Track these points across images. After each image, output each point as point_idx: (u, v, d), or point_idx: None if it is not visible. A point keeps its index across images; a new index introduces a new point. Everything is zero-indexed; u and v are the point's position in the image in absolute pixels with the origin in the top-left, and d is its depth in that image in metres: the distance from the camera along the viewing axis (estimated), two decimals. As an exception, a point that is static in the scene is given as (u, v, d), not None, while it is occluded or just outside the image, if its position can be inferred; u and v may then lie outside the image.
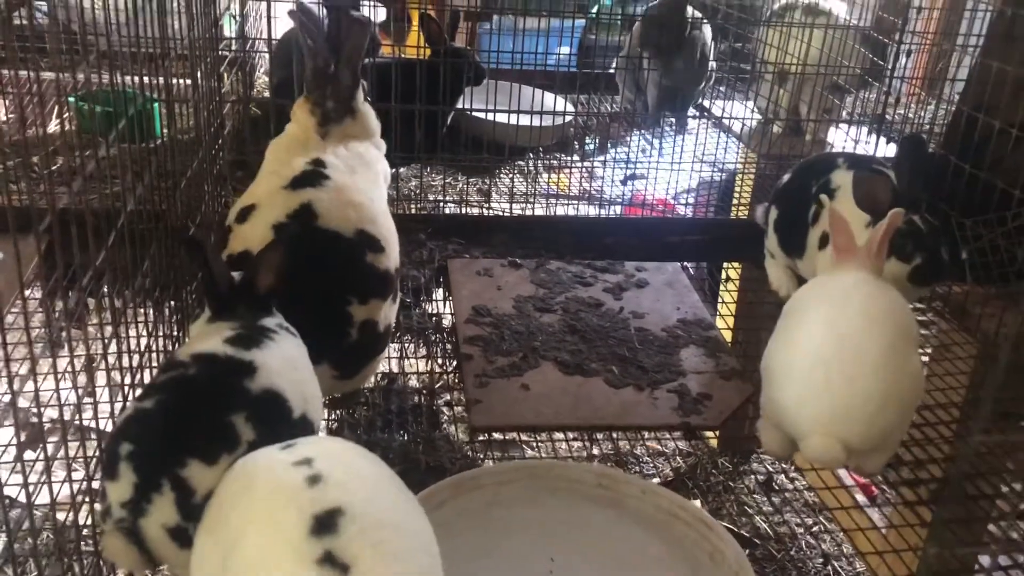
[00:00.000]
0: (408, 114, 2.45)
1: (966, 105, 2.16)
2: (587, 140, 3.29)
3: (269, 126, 2.32)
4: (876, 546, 1.55)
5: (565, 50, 4.77)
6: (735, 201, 3.11)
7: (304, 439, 1.11)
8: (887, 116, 3.14)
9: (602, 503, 1.44)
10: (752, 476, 2.60)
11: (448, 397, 1.85)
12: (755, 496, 2.25)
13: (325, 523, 0.95)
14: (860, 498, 2.10)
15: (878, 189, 1.74)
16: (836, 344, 1.41)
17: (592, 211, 2.81)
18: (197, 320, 1.34)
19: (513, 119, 2.74)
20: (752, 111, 3.25)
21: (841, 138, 3.14)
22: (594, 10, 4.27)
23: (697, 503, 1.66)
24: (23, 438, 1.25)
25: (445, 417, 1.82)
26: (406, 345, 1.95)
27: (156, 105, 1.94)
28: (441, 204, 2.51)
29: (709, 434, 2.78)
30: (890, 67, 2.74)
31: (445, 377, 1.87)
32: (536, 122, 3.02)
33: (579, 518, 1.42)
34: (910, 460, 1.67)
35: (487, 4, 4.22)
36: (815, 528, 2.42)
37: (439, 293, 2.16)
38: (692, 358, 1.91)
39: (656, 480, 2.57)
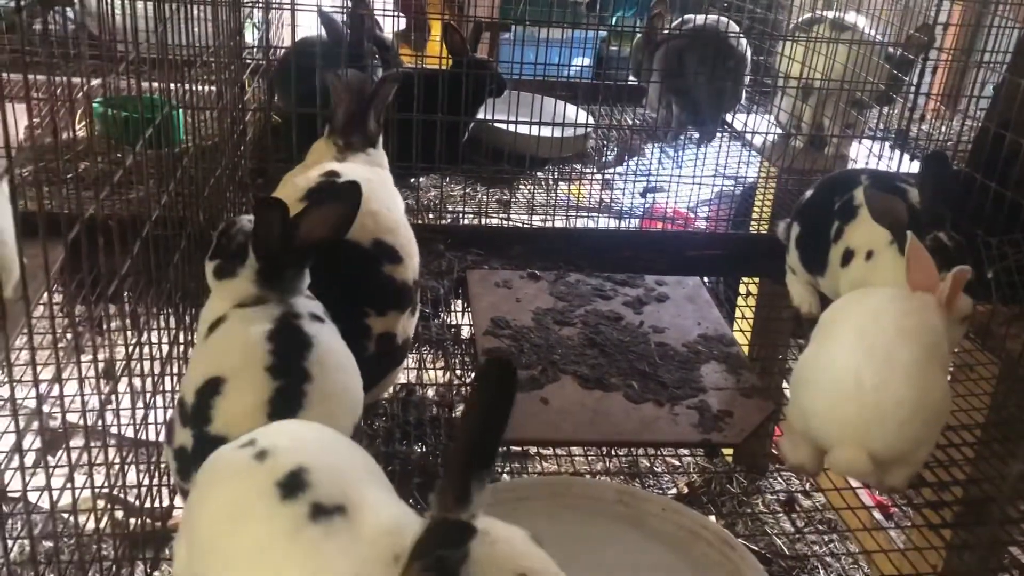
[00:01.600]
0: (429, 124, 2.45)
1: (992, 122, 2.14)
2: (606, 152, 3.28)
3: (291, 134, 2.34)
4: (896, 566, 1.53)
5: (584, 61, 4.79)
6: (755, 215, 3.10)
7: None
8: (910, 132, 3.12)
9: (622, 520, 1.43)
10: (768, 494, 2.58)
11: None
12: (773, 513, 2.23)
13: (291, 485, 0.95)
14: (878, 515, 2.08)
15: (893, 204, 1.73)
16: (866, 354, 1.41)
17: (611, 223, 2.81)
18: (234, 277, 1.34)
19: (534, 130, 2.75)
20: (773, 125, 3.24)
21: (863, 153, 3.12)
22: (613, 21, 4.27)
23: (712, 519, 1.64)
24: (45, 441, 1.25)
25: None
26: (424, 356, 1.94)
27: (179, 112, 1.95)
28: (461, 215, 2.51)
29: (726, 449, 2.77)
30: (915, 83, 2.73)
31: (464, 389, 1.86)
32: (557, 133, 3.01)
33: (599, 535, 1.41)
34: (933, 481, 1.65)
35: (507, 14, 4.23)
36: (832, 546, 2.40)
37: (457, 304, 2.16)
38: (713, 374, 1.90)
39: (672, 493, 2.56)
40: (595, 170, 3.08)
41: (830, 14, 3.10)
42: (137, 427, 1.44)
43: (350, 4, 2.97)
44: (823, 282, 2.07)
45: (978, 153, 2.13)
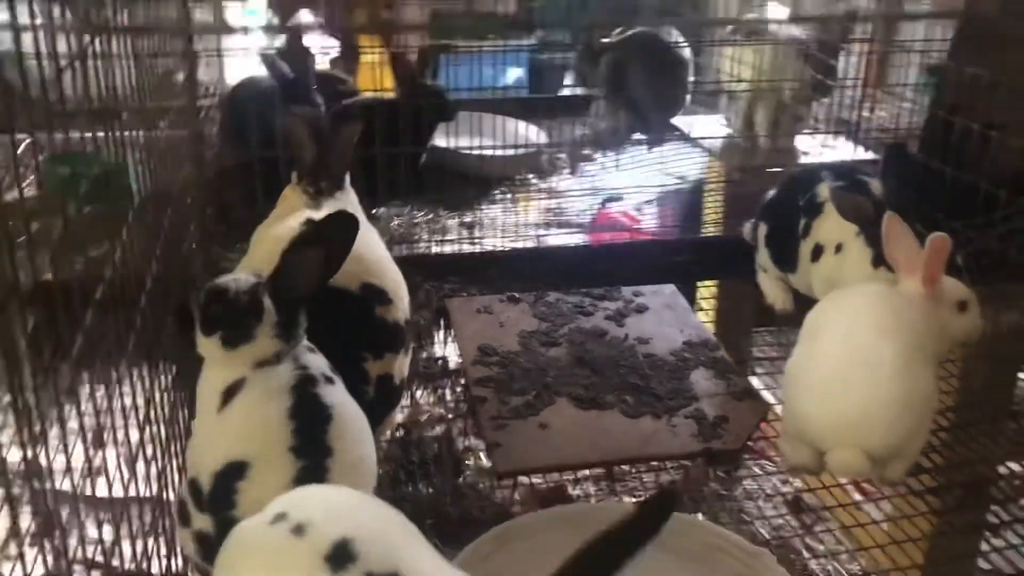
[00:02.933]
0: (383, 156, 2.44)
1: (940, 109, 2.21)
2: (560, 165, 3.30)
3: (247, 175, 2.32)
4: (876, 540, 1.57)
5: (517, 72, 4.81)
6: (708, 218, 3.17)
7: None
8: (852, 121, 3.21)
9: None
10: (744, 484, 2.62)
11: (466, 442, 1.84)
12: (756, 502, 2.25)
13: (340, 557, 0.93)
14: (856, 496, 2.13)
15: (858, 201, 1.79)
16: (851, 355, 1.45)
17: (568, 237, 2.82)
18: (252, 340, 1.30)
19: (490, 149, 2.76)
20: (723, 126, 3.30)
21: (809, 145, 3.21)
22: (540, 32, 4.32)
23: (700, 516, 1.66)
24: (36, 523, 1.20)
25: (467, 463, 1.81)
26: (417, 392, 1.93)
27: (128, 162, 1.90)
28: (433, 244, 2.50)
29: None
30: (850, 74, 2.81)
31: (460, 422, 1.86)
32: (506, 150, 3.03)
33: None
34: (929, 467, 1.70)
35: (439, 36, 4.22)
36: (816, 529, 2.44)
37: (441, 334, 2.16)
38: (703, 381, 1.92)
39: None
40: (548, 183, 3.09)
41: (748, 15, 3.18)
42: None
43: (287, 43, 2.96)
44: (795, 278, 2.11)
45: (930, 140, 2.20)
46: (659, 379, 1.92)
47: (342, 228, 1.36)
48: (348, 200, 1.79)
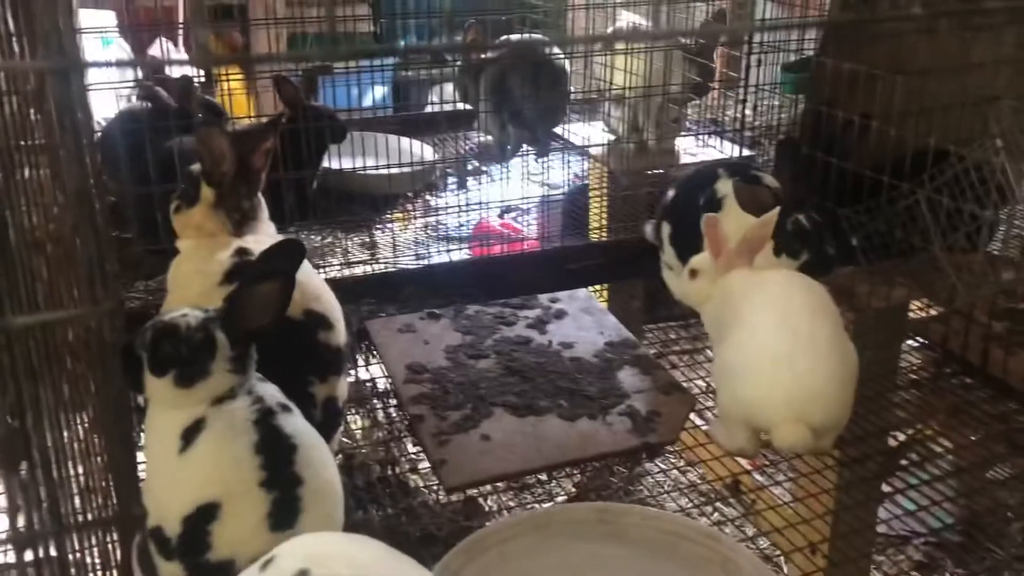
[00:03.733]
0: (274, 181, 2.40)
1: (815, 103, 2.36)
2: (451, 179, 3.33)
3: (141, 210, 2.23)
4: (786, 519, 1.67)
5: (382, 91, 4.82)
6: (594, 223, 3.28)
7: (279, 550, 1.05)
8: (721, 120, 3.38)
9: (606, 538, 1.48)
10: (651, 476, 2.72)
11: (410, 462, 1.84)
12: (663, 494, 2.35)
13: None
14: (758, 477, 2.24)
15: (758, 192, 1.90)
16: (792, 337, 1.54)
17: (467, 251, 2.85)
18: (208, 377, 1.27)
19: (382, 169, 2.75)
20: (604, 132, 3.41)
21: (688, 145, 3.35)
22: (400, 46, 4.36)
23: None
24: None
25: (413, 482, 1.81)
26: (353, 416, 1.92)
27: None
28: (342, 267, 2.48)
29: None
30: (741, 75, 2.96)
31: (401, 442, 1.86)
32: (398, 168, 3.03)
33: (587, 557, 1.45)
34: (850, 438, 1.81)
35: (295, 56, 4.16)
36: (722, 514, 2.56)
37: (365, 357, 2.14)
38: (630, 378, 1.98)
39: (562, 499, 2.63)
40: (445, 199, 3.12)
41: (629, 21, 3.30)
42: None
43: (143, 75, 2.88)
44: None
45: (811, 132, 2.35)
46: (588, 381, 1.97)
47: (291, 256, 1.35)
48: (261, 217, 1.75)
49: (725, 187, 2.07)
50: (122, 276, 2.36)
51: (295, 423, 1.29)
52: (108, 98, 3.03)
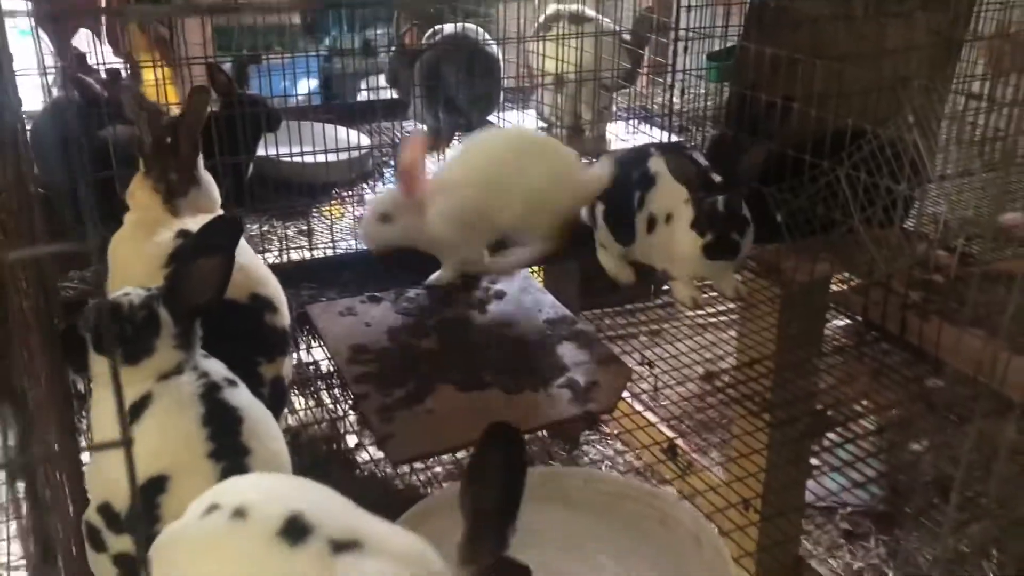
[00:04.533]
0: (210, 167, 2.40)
1: (740, 86, 2.46)
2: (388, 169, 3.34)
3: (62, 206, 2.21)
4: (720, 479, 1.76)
5: (311, 83, 4.80)
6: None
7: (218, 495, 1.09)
8: (650, 107, 3.47)
9: (550, 501, 1.53)
10: (586, 458, 2.80)
11: (356, 439, 1.87)
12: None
13: (295, 530, 0.96)
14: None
15: (683, 161, 1.99)
16: None
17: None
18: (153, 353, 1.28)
19: (320, 157, 2.76)
20: (536, 119, 3.46)
21: (619, 132, 3.43)
22: (327, 42, 4.34)
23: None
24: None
25: (362, 458, 1.84)
26: (296, 397, 1.94)
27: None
28: (281, 252, 2.48)
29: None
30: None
31: (346, 420, 1.88)
32: (335, 156, 3.04)
33: (533, 519, 1.49)
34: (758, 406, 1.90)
35: (222, 48, 4.11)
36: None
37: (307, 341, 2.16)
38: (570, 353, 2.04)
39: None
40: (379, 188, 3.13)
41: (567, 7, 3.36)
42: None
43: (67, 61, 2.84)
44: (634, 250, 2.28)
45: (736, 115, 2.44)
46: (529, 356, 2.02)
47: (228, 232, 1.37)
48: (208, 195, 1.76)
49: (658, 164, 2.14)
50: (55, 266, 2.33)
51: (241, 396, 1.32)
52: (31, 90, 2.97)
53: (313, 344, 2.15)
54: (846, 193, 2.01)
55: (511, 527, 1.02)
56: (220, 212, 1.82)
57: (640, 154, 2.24)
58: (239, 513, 1.00)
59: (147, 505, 1.20)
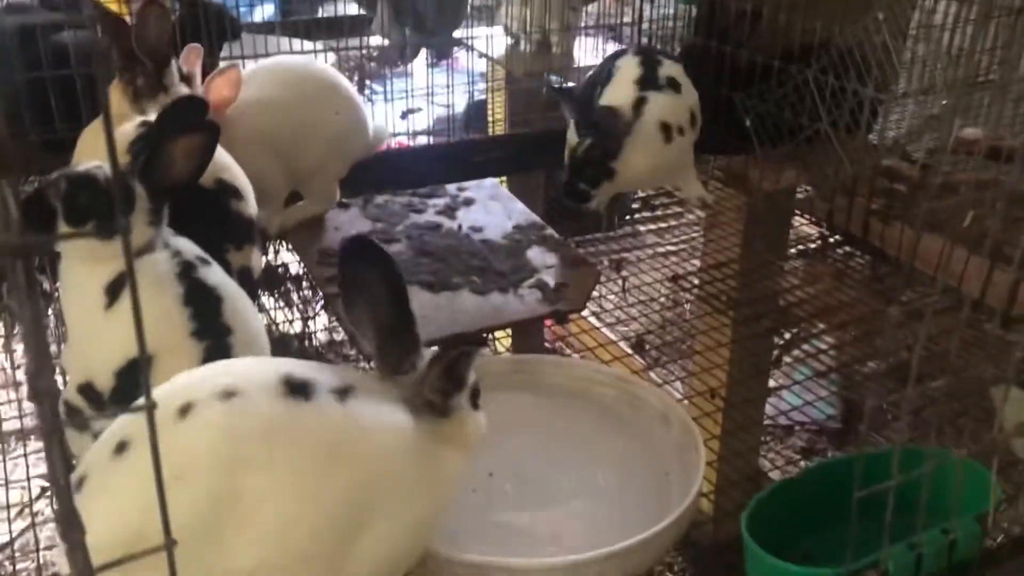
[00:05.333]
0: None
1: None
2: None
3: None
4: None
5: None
6: (490, 119, 3.33)
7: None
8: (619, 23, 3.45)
9: (521, 387, 1.56)
10: None
11: (326, 338, 1.87)
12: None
13: (294, 386, 0.96)
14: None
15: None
16: None
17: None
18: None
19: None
20: (503, 34, 3.43)
21: (587, 48, 3.41)
22: None
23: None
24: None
25: (332, 357, 1.85)
26: (264, 296, 1.93)
27: None
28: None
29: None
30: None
31: (315, 320, 1.89)
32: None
33: (504, 404, 1.52)
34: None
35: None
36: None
37: (275, 244, 2.15)
38: (539, 256, 2.05)
39: None
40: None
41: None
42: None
43: None
44: None
45: (707, 22, 2.43)
46: (498, 259, 2.03)
47: (195, 110, 1.36)
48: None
49: (625, 62, 2.12)
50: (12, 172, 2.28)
51: (217, 275, 1.32)
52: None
53: (280, 248, 2.14)
54: (814, 97, 2.02)
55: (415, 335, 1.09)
56: None
57: (620, 53, 2.22)
58: (228, 394, 0.94)
59: (131, 385, 1.20)
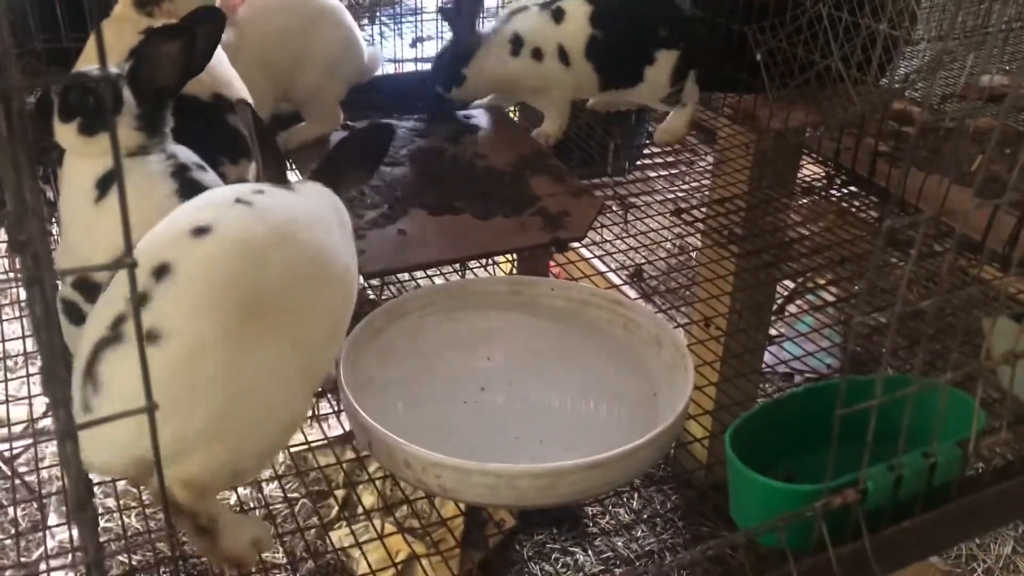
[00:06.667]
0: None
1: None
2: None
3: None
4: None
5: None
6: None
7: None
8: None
9: (518, 307, 1.57)
10: None
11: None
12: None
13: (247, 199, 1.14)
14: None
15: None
16: None
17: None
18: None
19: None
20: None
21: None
22: None
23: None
24: None
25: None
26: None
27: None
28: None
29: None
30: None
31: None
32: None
33: (500, 323, 1.55)
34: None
35: None
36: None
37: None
38: (542, 185, 2.05)
39: None
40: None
41: None
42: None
43: None
44: None
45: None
46: (501, 186, 2.03)
47: (207, 22, 1.36)
48: (187, 5, 1.72)
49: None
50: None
51: (212, 179, 1.33)
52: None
53: (287, 168, 2.14)
54: (827, 32, 2.00)
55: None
56: None
57: None
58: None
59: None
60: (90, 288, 1.25)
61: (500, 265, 2.17)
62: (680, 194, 2.24)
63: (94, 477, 1.18)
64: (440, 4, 2.90)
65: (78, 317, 1.27)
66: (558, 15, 2.12)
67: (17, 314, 1.88)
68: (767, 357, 2.15)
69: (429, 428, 1.30)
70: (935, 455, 1.15)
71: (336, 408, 1.43)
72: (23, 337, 1.81)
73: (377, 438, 1.19)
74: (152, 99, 1.31)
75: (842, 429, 1.03)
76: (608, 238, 1.92)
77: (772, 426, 1.28)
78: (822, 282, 1.79)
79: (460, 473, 1.14)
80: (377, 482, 1.53)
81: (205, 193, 1.21)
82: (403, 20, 2.75)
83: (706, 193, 2.23)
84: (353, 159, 1.39)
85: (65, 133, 1.28)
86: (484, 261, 1.97)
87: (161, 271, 1.03)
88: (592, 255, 1.88)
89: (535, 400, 1.41)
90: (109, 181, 1.25)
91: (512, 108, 2.54)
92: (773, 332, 2.36)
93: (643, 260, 1.94)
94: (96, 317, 1.06)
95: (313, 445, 1.48)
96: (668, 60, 2.13)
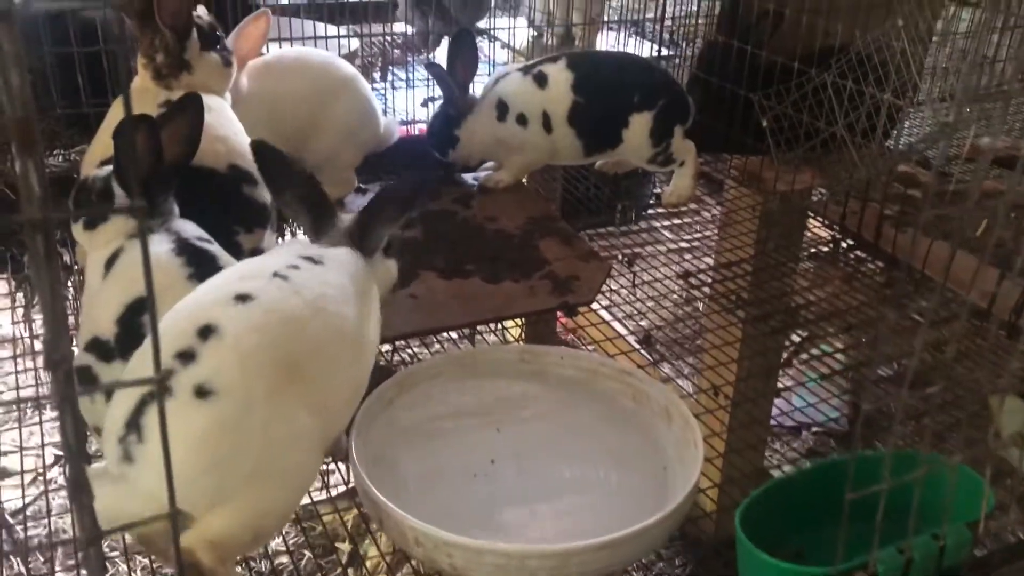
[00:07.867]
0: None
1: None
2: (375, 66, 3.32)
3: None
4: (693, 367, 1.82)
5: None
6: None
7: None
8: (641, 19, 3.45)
9: (527, 376, 1.58)
10: None
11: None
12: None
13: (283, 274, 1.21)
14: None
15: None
16: None
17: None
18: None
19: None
20: (527, 27, 3.44)
21: (610, 42, 3.42)
22: None
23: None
24: None
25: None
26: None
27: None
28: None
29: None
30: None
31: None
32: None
33: (510, 393, 1.56)
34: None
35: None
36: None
37: (291, 229, 2.18)
38: (551, 248, 2.07)
39: None
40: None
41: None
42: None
43: None
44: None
45: (730, 20, 2.43)
46: (511, 249, 2.06)
47: (183, 110, 1.41)
48: (206, 78, 1.76)
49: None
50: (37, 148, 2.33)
51: (214, 248, 1.37)
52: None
53: (297, 231, 2.17)
54: (832, 100, 2.03)
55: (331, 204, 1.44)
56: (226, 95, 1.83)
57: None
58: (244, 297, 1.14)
59: (133, 327, 1.25)
60: (101, 347, 1.28)
61: (508, 329, 2.18)
62: (684, 245, 2.26)
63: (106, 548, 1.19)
64: (427, 59, 2.96)
65: (91, 379, 1.29)
66: (541, 80, 2.17)
67: (31, 365, 1.90)
68: (773, 410, 2.16)
69: (440, 503, 1.31)
70: (944, 538, 1.15)
71: (346, 479, 1.44)
72: (36, 384, 1.83)
73: (388, 515, 1.20)
74: (143, 187, 1.36)
75: (852, 504, 1.03)
76: (615, 288, 1.93)
77: (782, 502, 1.29)
78: (830, 350, 1.80)
79: (471, 552, 1.14)
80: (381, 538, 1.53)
81: (242, 264, 1.29)
82: (415, 83, 2.79)
83: (712, 246, 2.25)
84: (385, 217, 1.43)
85: (76, 231, 1.42)
86: (493, 325, 1.98)
87: (207, 331, 1.08)
88: (601, 319, 1.89)
89: (545, 474, 1.41)
90: (112, 259, 1.35)
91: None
92: (779, 384, 2.36)
93: (651, 324, 1.95)
94: (140, 368, 1.09)
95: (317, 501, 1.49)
96: (642, 122, 2.16)
